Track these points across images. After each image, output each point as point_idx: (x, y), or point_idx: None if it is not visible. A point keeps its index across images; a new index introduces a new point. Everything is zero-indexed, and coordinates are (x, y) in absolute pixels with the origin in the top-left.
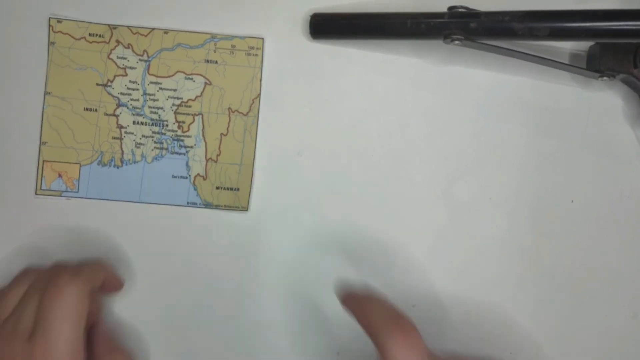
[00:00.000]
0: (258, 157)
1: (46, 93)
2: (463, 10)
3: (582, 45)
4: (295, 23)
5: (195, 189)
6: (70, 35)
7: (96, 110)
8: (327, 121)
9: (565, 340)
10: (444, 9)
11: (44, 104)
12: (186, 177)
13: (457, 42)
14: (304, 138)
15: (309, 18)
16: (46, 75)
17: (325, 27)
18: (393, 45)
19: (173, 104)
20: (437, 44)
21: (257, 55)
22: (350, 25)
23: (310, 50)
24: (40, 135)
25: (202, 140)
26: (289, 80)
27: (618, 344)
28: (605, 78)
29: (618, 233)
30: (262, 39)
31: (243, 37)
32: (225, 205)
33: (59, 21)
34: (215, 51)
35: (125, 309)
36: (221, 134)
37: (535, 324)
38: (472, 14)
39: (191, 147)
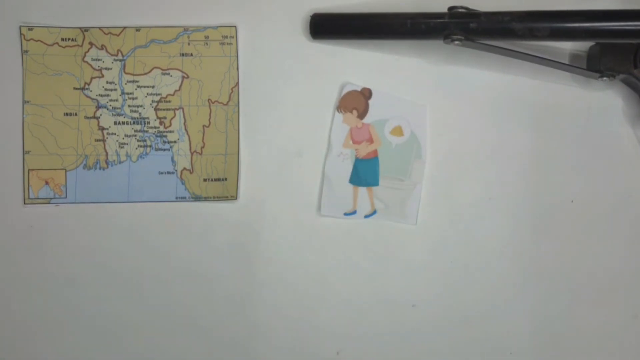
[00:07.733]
0: (258, 158)
1: (24, 102)
2: (463, 10)
3: (582, 46)
4: (295, 23)
5: (183, 183)
6: (42, 42)
7: (76, 114)
8: (327, 121)
9: (565, 341)
10: (444, 9)
11: (23, 113)
12: (173, 172)
13: (457, 42)
14: (304, 138)
15: (309, 18)
16: (23, 84)
17: (325, 27)
18: (393, 45)
19: (152, 101)
20: (437, 44)
21: (231, 44)
22: (350, 25)
23: (310, 50)
24: (23, 145)
25: (185, 134)
26: (288, 80)
27: (618, 344)
28: (605, 78)
29: (618, 233)
30: (235, 27)
31: (216, 27)
32: (214, 197)
33: (30, 29)
34: (189, 44)
35: (125, 308)
36: (203, 126)
37: (535, 324)
38: (472, 14)
39: (175, 141)
